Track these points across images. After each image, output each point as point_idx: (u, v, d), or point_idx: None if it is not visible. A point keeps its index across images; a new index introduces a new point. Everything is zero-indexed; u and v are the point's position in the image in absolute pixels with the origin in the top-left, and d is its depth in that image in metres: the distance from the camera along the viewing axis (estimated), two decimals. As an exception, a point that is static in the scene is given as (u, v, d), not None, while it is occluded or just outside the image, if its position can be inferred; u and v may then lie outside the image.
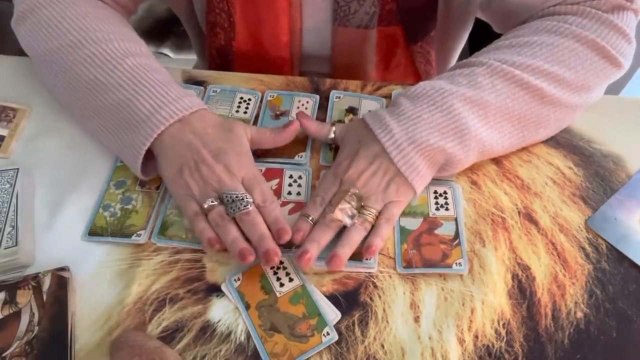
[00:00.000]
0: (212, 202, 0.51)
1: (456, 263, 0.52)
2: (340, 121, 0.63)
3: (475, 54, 0.58)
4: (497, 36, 0.61)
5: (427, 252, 0.52)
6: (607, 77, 0.58)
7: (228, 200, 0.51)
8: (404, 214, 0.55)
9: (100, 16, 0.58)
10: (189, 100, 0.54)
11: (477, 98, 0.52)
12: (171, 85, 0.55)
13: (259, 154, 0.59)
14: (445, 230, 0.54)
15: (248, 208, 0.51)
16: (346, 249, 0.50)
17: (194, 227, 0.52)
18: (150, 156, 0.54)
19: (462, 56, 0.80)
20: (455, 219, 0.55)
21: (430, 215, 0.55)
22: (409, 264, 0.52)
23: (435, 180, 0.57)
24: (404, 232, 0.54)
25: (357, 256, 0.52)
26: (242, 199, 0.51)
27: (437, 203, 0.56)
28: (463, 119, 0.52)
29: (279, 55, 0.73)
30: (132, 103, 0.53)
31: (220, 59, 0.77)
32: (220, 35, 0.73)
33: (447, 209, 0.56)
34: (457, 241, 0.53)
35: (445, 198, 0.56)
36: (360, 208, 0.52)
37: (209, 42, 0.75)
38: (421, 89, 0.54)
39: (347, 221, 0.51)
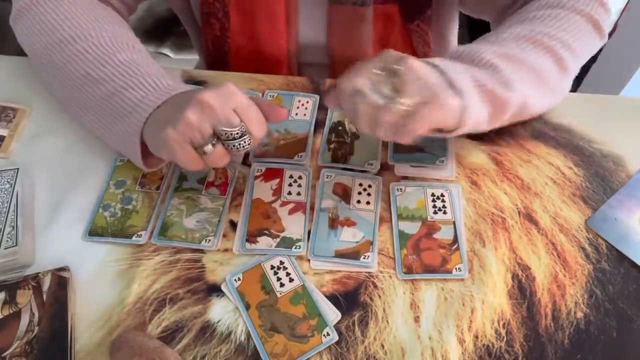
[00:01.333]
0: (212, 145, 0.47)
1: (456, 268, 0.52)
2: (340, 122, 0.63)
3: (487, 34, 0.58)
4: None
5: (427, 257, 0.52)
6: (595, 49, 0.60)
7: (228, 138, 0.48)
8: (402, 217, 0.55)
9: (94, 13, 0.58)
10: (177, 86, 0.53)
11: (512, 54, 0.53)
12: (163, 77, 0.54)
13: (258, 155, 0.59)
14: (444, 234, 0.54)
15: (250, 143, 0.49)
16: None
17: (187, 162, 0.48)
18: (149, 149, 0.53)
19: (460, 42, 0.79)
20: (454, 223, 0.55)
21: (429, 219, 0.55)
22: (409, 270, 0.51)
23: (432, 183, 0.57)
24: (403, 236, 0.54)
25: (355, 255, 0.52)
26: (242, 134, 0.48)
27: (434, 206, 0.56)
28: (505, 71, 0.51)
29: (275, 42, 0.72)
30: (123, 94, 0.52)
31: (216, 50, 0.76)
32: (215, 26, 0.72)
33: (444, 212, 0.56)
34: (456, 246, 0.53)
35: (443, 201, 0.56)
36: (393, 94, 0.45)
37: (204, 34, 0.75)
38: (455, 51, 0.54)
39: (368, 94, 0.45)
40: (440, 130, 0.50)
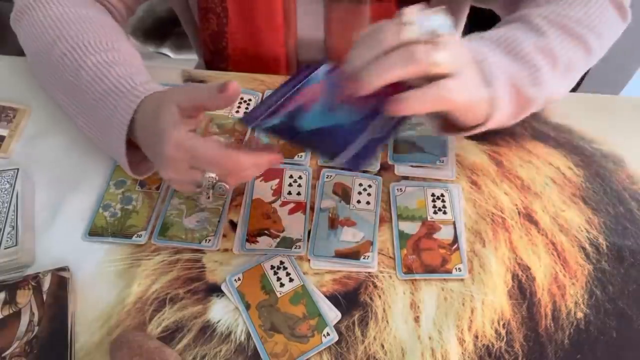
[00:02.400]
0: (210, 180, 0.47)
1: (456, 268, 0.52)
2: None
3: (517, 14, 0.56)
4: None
5: (427, 257, 0.52)
6: (618, 35, 0.58)
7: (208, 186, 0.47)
8: (402, 217, 0.55)
9: (81, 14, 0.58)
10: (148, 87, 0.52)
11: (549, 48, 0.51)
12: (130, 77, 0.52)
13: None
14: (444, 234, 0.54)
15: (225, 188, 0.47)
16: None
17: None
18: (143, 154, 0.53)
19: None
20: (454, 223, 0.55)
21: (429, 219, 0.55)
22: (409, 270, 0.51)
23: (432, 183, 0.57)
24: (403, 236, 0.54)
25: (355, 255, 0.52)
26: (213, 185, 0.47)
27: (434, 206, 0.56)
28: (542, 70, 0.50)
29: (272, 37, 0.72)
30: (99, 105, 0.52)
31: (214, 45, 0.75)
32: (212, 21, 0.72)
33: (444, 212, 0.56)
34: (456, 246, 0.53)
35: (443, 201, 0.56)
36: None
37: (202, 29, 0.74)
38: (493, 35, 0.52)
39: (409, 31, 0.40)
40: (466, 128, 0.50)
